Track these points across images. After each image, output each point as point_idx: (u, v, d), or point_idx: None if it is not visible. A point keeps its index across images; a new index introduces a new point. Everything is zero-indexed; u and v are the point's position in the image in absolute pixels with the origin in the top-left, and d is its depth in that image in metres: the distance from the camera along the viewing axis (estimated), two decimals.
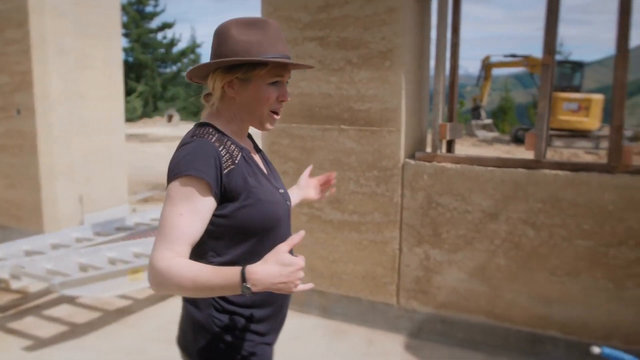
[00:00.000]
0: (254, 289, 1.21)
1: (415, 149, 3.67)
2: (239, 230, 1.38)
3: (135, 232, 4.89)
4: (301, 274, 1.24)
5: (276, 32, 1.40)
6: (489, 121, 22.09)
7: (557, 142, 16.58)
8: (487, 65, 20.75)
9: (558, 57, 21.44)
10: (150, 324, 3.85)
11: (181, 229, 1.30)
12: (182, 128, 23.70)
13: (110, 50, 6.19)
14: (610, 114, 3.07)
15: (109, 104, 6.19)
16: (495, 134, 21.49)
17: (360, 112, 3.55)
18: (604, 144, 17.17)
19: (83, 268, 3.89)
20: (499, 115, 31.54)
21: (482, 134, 20.47)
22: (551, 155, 14.78)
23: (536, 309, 3.27)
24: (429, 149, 3.68)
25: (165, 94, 34.21)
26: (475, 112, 21.68)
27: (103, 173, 6.13)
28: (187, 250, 1.31)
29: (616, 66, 2.94)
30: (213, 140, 1.37)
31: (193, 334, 1.45)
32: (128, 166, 6.92)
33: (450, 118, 3.69)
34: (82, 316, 3.95)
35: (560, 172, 3.13)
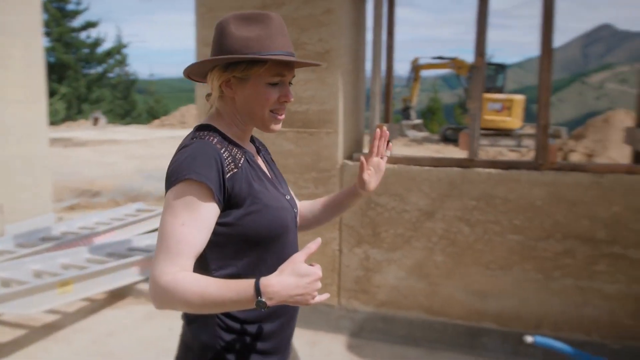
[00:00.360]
0: (269, 303, 1.11)
1: (354, 150, 3.70)
2: (244, 239, 1.28)
3: (62, 242, 4.65)
4: (319, 284, 1.15)
5: (278, 28, 1.29)
6: (418, 121, 22.75)
7: (483, 141, 17.31)
8: (416, 67, 21.35)
9: None
10: (83, 338, 3.65)
11: (184, 240, 1.19)
12: (109, 131, 22.81)
13: (31, 50, 5.85)
14: (537, 114, 3.22)
15: (30, 107, 5.84)
16: (424, 133, 22.16)
17: (298, 114, 3.54)
18: (526, 142, 18.11)
19: (5, 283, 3.65)
20: (428, 115, 32.54)
21: (412, 133, 21.04)
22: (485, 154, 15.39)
23: (472, 303, 3.38)
24: (366, 150, 3.72)
25: (90, 95, 32.85)
26: (405, 112, 22.27)
27: (25, 180, 5.78)
28: (191, 263, 1.20)
29: (541, 68, 3.08)
30: (214, 142, 1.27)
31: (195, 356, 1.32)
32: (52, 172, 6.56)
33: (386, 119, 3.75)
34: (5, 335, 3.69)
35: (492, 171, 3.25)
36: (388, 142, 1.57)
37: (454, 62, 20.35)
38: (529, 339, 2.59)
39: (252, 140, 1.47)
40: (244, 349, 1.31)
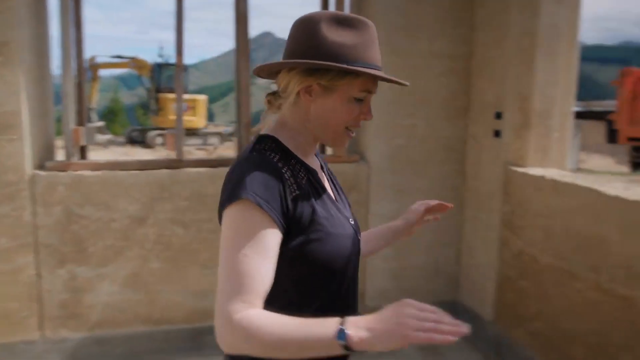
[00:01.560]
0: (356, 347, 0.91)
1: (45, 159, 3.22)
2: (302, 270, 1.12)
3: None
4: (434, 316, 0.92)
5: (373, 36, 1.14)
6: (101, 123, 21.40)
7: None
8: (93, 66, 19.99)
9: (161, 60, 22.37)
10: None
11: (248, 273, 1.00)
12: None
13: None
14: (237, 112, 3.37)
15: None
16: (109, 136, 20.99)
17: None
18: (211, 140, 18.89)
19: None
20: (109, 117, 30.93)
21: (96, 137, 19.67)
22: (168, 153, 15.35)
23: (193, 304, 3.36)
24: (61, 157, 3.30)
25: None
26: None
27: None
28: (260, 301, 1.00)
29: (239, 68, 3.23)
30: (276, 159, 1.11)
31: None
32: None
33: (80, 122, 3.39)
34: None
35: (201, 169, 3.27)
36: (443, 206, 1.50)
37: (135, 62, 19.80)
38: None
39: (315, 153, 1.29)
40: None
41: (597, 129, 11.91)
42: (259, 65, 1.19)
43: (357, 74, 1.11)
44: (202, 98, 19.76)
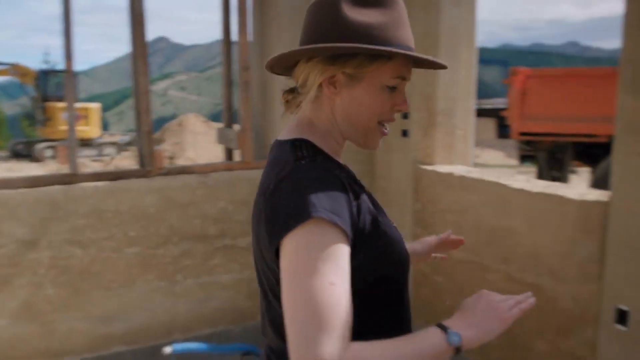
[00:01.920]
0: (468, 346, 0.89)
1: None
2: (370, 284, 0.96)
3: None
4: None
5: (402, 14, 0.96)
6: None
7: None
8: None
9: (47, 67, 20.87)
10: None
11: (339, 304, 0.82)
12: None
13: None
14: (137, 120, 3.14)
15: None
16: None
17: None
18: (107, 150, 17.89)
19: None
20: None
21: None
22: (60, 167, 14.34)
23: (97, 330, 3.08)
24: None
25: None
26: None
27: None
28: (350, 334, 0.83)
29: (137, 73, 3.01)
30: (331, 165, 0.96)
31: None
32: None
33: None
34: None
35: (99, 183, 3.01)
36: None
37: (16, 69, 18.28)
38: (168, 349, 2.53)
39: None
40: None
41: (488, 125, 12.69)
42: (271, 58, 1.02)
43: (389, 56, 0.95)
44: (96, 106, 18.66)
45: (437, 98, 3.24)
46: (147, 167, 3.10)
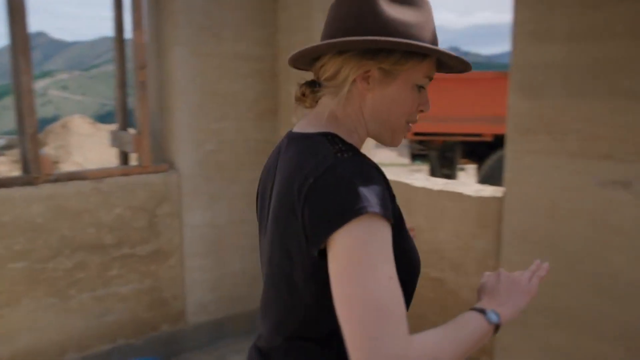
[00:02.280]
0: (504, 322, 0.96)
1: None
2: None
3: None
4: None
5: (432, 16, 0.97)
6: None
7: None
8: None
9: None
10: None
11: (399, 298, 0.80)
12: None
13: None
14: (18, 120, 2.86)
15: None
16: None
17: None
18: None
19: None
20: None
21: None
22: None
23: None
24: None
25: None
26: None
27: None
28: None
29: (18, 70, 2.74)
30: (369, 160, 0.91)
31: None
32: None
33: None
34: None
35: None
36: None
37: None
38: None
39: None
40: None
41: None
42: (299, 50, 0.97)
43: (424, 55, 0.95)
44: None
45: None
46: (33, 173, 2.84)
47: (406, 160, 14.60)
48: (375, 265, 0.81)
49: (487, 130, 8.89)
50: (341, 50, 0.94)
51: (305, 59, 1.03)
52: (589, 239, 2.03)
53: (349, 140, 0.99)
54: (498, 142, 8.46)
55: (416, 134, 9.37)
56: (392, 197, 0.93)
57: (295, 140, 1.01)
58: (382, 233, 0.84)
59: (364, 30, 0.93)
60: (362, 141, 1.04)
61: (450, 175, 9.31)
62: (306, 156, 0.93)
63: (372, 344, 0.77)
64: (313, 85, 1.03)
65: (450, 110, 8.76)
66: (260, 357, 1.04)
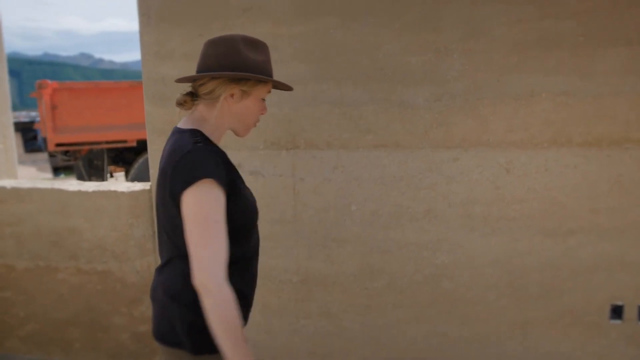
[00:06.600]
0: None
1: None
2: (236, 231, 1.45)
3: None
4: None
5: (269, 54, 1.55)
6: None
7: None
8: None
9: None
10: None
11: (222, 237, 1.33)
12: None
13: None
14: None
15: None
16: None
17: None
18: None
19: None
20: None
21: None
22: None
23: None
24: None
25: None
26: None
27: None
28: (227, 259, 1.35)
29: None
30: (213, 148, 1.47)
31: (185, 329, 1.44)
32: None
33: None
34: None
35: None
36: None
37: None
38: None
39: None
40: None
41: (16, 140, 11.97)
42: (190, 76, 1.49)
43: (266, 81, 1.51)
44: None
45: None
46: None
47: (48, 174, 13.63)
48: (208, 214, 1.33)
49: (130, 137, 9.29)
50: (215, 77, 1.47)
51: (189, 79, 1.52)
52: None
53: (212, 133, 1.52)
54: (142, 146, 8.93)
55: (59, 144, 9.03)
56: (232, 171, 1.46)
57: (175, 133, 1.51)
58: (214, 193, 1.35)
59: (232, 65, 1.46)
60: (221, 134, 1.56)
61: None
62: (178, 144, 1.44)
63: (201, 263, 1.30)
64: (192, 96, 1.53)
65: (92, 119, 8.79)
66: (157, 275, 1.56)
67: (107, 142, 9.27)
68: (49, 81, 8.93)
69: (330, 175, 2.49)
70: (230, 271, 1.38)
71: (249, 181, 2.53)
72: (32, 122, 14.10)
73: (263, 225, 2.54)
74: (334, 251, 2.53)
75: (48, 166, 12.78)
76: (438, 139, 2.37)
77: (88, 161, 9.54)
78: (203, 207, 1.33)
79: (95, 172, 9.58)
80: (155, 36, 2.61)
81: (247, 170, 2.58)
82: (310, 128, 2.48)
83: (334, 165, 2.48)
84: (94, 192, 2.88)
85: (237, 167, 2.54)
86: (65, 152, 9.59)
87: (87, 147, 9.36)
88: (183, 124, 1.53)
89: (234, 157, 2.54)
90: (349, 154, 2.46)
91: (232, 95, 1.49)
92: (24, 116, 13.06)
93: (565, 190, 2.30)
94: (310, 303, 2.59)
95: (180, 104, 1.54)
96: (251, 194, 1.59)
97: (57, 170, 11.07)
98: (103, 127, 9.00)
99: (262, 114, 1.59)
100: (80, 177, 9.67)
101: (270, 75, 1.53)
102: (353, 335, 2.56)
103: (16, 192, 3.03)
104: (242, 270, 1.50)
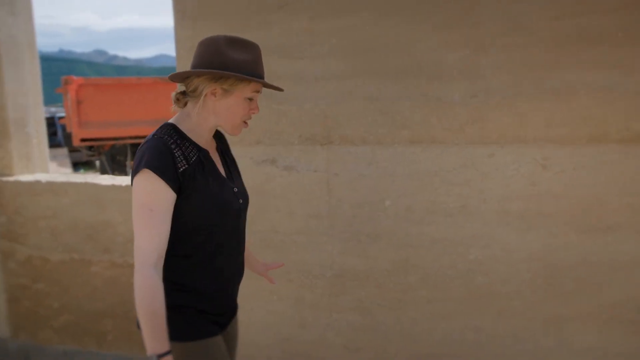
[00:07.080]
0: None
1: None
2: (188, 225, 1.50)
3: None
4: None
5: (259, 55, 1.56)
6: None
7: None
8: None
9: None
10: None
11: (156, 226, 1.41)
12: None
13: None
14: None
15: None
16: None
17: None
18: None
19: None
20: None
21: None
22: None
23: None
24: None
25: None
26: None
27: None
28: (164, 248, 1.43)
29: None
30: (170, 142, 1.48)
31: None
32: None
33: None
34: None
35: None
36: None
37: None
38: None
39: (219, 138, 1.72)
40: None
41: None
42: (177, 73, 1.54)
43: (249, 81, 1.51)
44: None
45: (7, 108, 3.21)
46: None
47: (68, 169, 13.81)
48: (144, 202, 1.43)
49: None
50: (199, 75, 1.51)
51: (179, 77, 1.56)
52: (257, 205, 2.65)
53: (192, 129, 1.55)
54: None
55: (84, 139, 9.15)
56: (193, 167, 1.48)
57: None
58: (153, 183, 1.42)
59: (214, 64, 1.49)
60: (206, 130, 1.58)
61: None
62: (147, 137, 1.54)
63: (135, 247, 1.41)
64: (184, 94, 1.58)
65: (116, 115, 8.88)
66: None
67: (131, 138, 9.37)
68: (74, 77, 9.04)
69: (364, 171, 2.49)
70: (182, 264, 1.51)
71: (283, 176, 2.54)
72: (51, 118, 14.29)
73: (297, 220, 2.57)
74: (367, 246, 2.54)
75: (68, 161, 12.96)
76: (474, 135, 2.37)
77: (111, 156, 9.65)
78: (140, 195, 1.43)
79: (117, 167, 9.69)
80: (190, 32, 2.64)
81: (281, 165, 2.59)
82: (346, 123, 2.48)
83: (368, 161, 2.48)
84: (127, 186, 2.92)
85: (271, 162, 2.67)
86: (90, 148, 9.72)
87: (110, 143, 9.47)
88: (171, 119, 1.60)
89: (268, 152, 2.56)
90: (384, 150, 2.46)
91: (214, 94, 1.52)
92: (46, 111, 13.20)
93: (603, 187, 2.28)
94: (344, 297, 2.60)
95: (174, 101, 1.60)
96: (230, 190, 1.59)
97: (76, 166, 11.21)
98: (127, 122, 9.08)
99: (252, 113, 1.59)
100: (104, 172, 9.80)
101: (257, 75, 1.53)
102: (386, 330, 2.57)
103: (51, 186, 3.08)
104: (199, 266, 1.53)
